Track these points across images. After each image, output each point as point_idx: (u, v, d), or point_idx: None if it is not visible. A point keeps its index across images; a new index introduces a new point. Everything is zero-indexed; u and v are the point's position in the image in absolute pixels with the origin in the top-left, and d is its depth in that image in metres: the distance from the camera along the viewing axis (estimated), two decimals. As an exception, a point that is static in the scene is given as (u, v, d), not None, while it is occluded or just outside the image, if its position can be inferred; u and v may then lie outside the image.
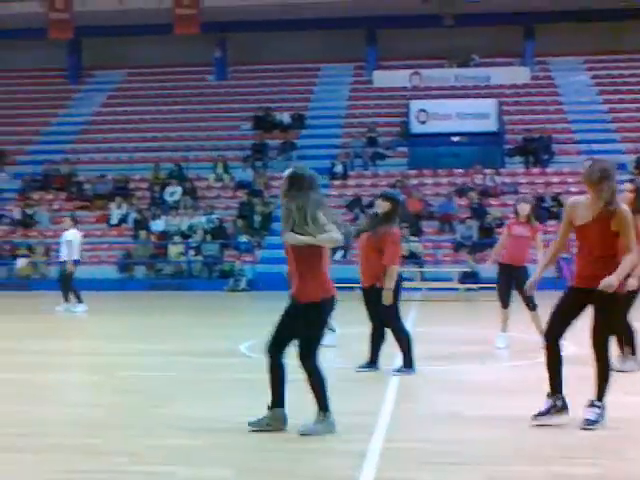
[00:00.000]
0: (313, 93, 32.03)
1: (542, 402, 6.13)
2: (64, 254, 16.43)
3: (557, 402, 6.12)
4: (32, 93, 32.94)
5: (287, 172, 6.06)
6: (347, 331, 11.00)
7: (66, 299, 16.16)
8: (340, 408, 6.06)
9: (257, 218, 24.88)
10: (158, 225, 24.91)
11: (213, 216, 24.77)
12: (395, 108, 29.99)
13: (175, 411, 6.75)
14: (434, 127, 28.21)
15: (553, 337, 6.16)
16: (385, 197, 8.59)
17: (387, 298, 8.25)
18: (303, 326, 5.92)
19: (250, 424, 5.95)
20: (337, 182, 26.55)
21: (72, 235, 16.45)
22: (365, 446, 5.49)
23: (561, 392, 6.14)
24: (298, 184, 5.93)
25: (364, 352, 8.71)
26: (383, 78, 31.28)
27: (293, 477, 4.89)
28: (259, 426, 5.93)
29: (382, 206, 8.46)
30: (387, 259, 8.25)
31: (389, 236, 8.32)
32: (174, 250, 24.22)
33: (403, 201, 8.83)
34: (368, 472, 4.94)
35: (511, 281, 10.31)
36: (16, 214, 26.04)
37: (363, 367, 8.56)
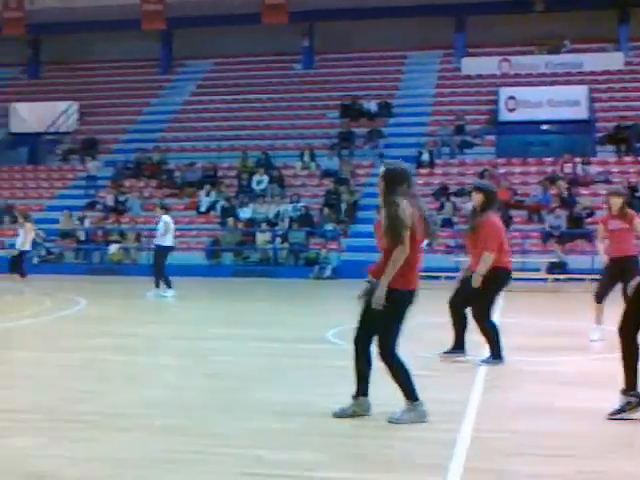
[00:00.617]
0: (401, 81, 31.88)
1: (616, 399, 6.04)
2: (162, 239, 16.75)
3: (631, 399, 6.00)
4: (125, 83, 33.72)
5: (381, 169, 6.14)
6: (428, 320, 10.94)
7: (157, 285, 16.54)
8: (428, 396, 6.07)
9: (343, 206, 24.96)
10: (245, 213, 25.26)
11: (299, 204, 24.97)
12: (484, 96, 29.64)
13: (263, 395, 6.86)
14: (523, 115, 27.81)
15: (627, 333, 6.03)
16: (477, 189, 8.55)
17: (475, 281, 8.18)
18: (377, 312, 5.88)
19: (335, 414, 5.98)
20: (424, 170, 26.41)
21: (169, 219, 16.83)
22: (454, 435, 5.49)
23: (635, 388, 6.02)
24: (390, 181, 5.98)
25: (444, 340, 8.72)
26: (472, 65, 30.92)
27: (383, 464, 4.92)
28: (344, 415, 5.96)
29: (476, 198, 8.44)
30: (482, 245, 8.24)
31: (485, 226, 8.28)
32: (261, 238, 24.52)
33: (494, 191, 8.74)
34: (458, 461, 4.93)
35: (617, 276, 9.83)
36: (109, 201, 26.75)
37: (448, 352, 8.53)
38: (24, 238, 17.50)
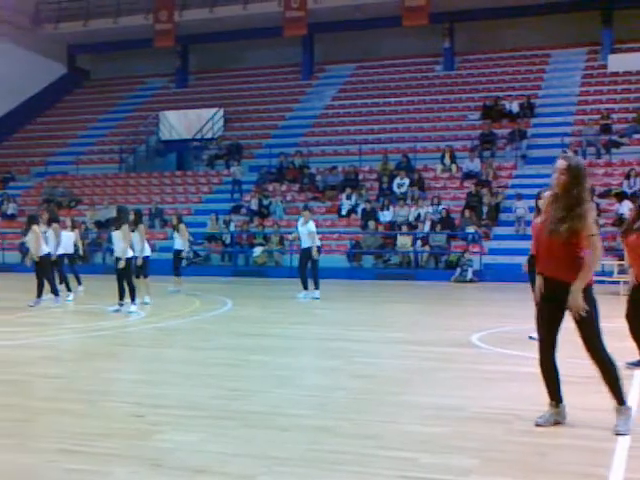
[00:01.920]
0: (544, 80, 31.18)
1: None
2: (308, 242, 17.04)
3: None
4: (268, 89, 34.50)
5: (562, 162, 5.81)
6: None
7: (305, 287, 16.81)
8: (582, 403, 5.94)
9: (485, 209, 24.63)
10: (386, 216, 25.32)
11: (440, 207, 24.81)
12: (632, 93, 28.60)
13: (413, 398, 6.87)
14: (675, 112, 26.65)
15: None
16: None
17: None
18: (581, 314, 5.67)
19: (538, 424, 5.82)
20: (569, 172, 25.69)
21: (313, 226, 17.12)
22: (612, 444, 5.34)
23: None
24: (577, 175, 5.73)
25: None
26: (619, 62, 29.88)
27: (538, 471, 4.84)
28: (547, 424, 5.81)
29: None
30: None
31: None
32: (402, 240, 24.51)
33: None
34: (617, 472, 4.79)
35: None
36: (253, 205, 27.39)
37: (633, 364, 8.22)
38: (183, 239, 18.16)
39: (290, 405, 6.61)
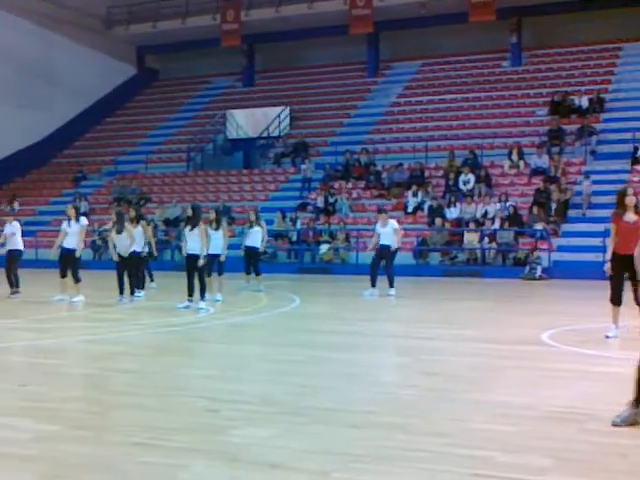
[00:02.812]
0: (614, 74, 30.57)
1: None
2: (388, 241, 17.04)
3: None
4: (334, 87, 34.57)
5: None
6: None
7: (373, 284, 16.81)
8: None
9: (553, 205, 24.29)
10: (453, 212, 25.16)
11: (508, 203, 24.55)
12: None
13: (483, 396, 6.84)
14: None
15: None
16: None
17: None
18: None
19: (614, 423, 5.73)
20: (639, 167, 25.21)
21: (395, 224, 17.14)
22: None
23: None
24: None
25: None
26: (693, 54, 29.16)
27: (617, 472, 4.77)
28: (624, 424, 5.71)
29: None
30: None
31: None
32: (469, 237, 24.32)
33: None
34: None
35: None
36: (319, 202, 27.48)
37: None
38: (264, 234, 18.17)
39: (361, 402, 6.65)
